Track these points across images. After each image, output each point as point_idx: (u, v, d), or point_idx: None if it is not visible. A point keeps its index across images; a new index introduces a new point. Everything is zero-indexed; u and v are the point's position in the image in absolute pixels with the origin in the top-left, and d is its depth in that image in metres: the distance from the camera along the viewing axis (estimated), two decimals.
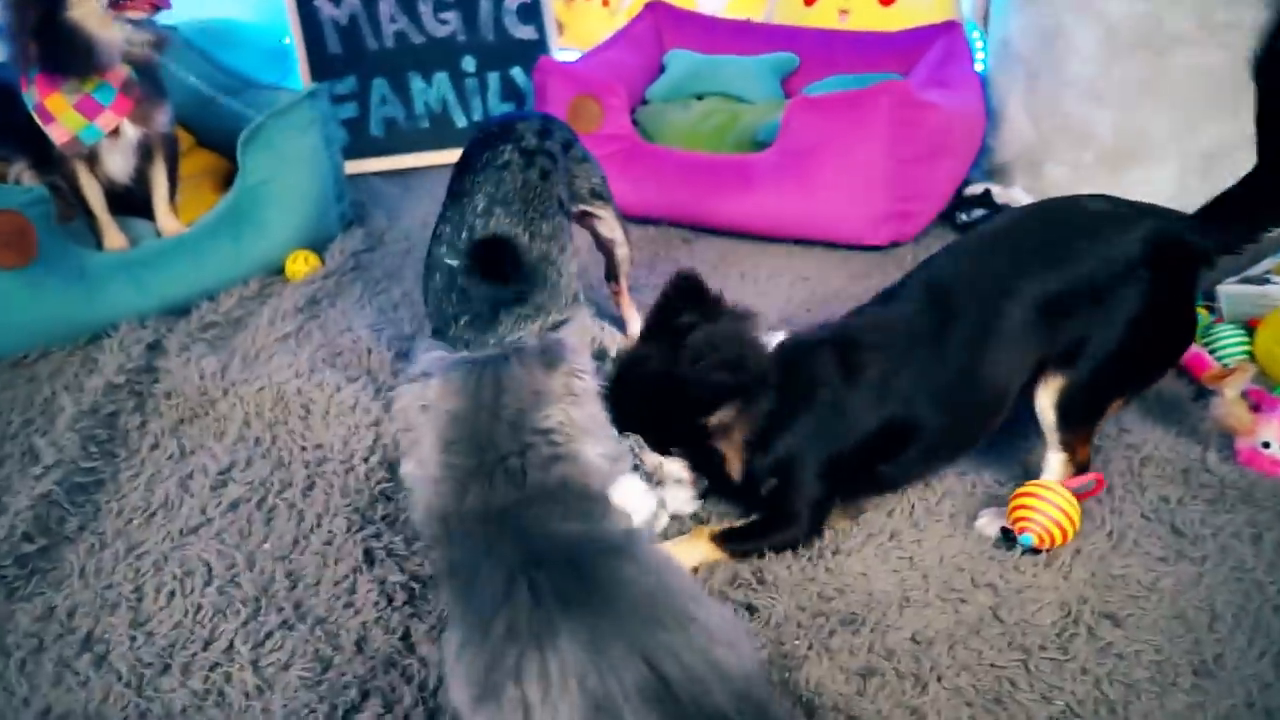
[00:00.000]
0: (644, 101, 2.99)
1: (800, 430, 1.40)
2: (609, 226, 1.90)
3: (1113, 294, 1.39)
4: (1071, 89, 2.48)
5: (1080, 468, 1.48)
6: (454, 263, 1.60)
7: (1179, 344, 1.52)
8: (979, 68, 2.83)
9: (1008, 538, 1.43)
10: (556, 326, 1.59)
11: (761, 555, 1.43)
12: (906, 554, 1.45)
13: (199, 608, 1.34)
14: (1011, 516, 1.43)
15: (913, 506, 1.54)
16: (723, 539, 1.43)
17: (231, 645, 1.28)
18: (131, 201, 2.25)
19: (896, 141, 2.28)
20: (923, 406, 1.42)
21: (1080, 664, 1.25)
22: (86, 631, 1.32)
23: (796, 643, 1.29)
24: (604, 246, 1.95)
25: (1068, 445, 1.46)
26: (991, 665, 1.25)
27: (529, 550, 0.97)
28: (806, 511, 1.44)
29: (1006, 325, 1.41)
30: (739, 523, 1.48)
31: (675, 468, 1.46)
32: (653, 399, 1.38)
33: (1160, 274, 1.40)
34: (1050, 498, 1.40)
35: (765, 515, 1.47)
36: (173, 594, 1.36)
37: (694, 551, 1.42)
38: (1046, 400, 1.44)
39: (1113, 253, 1.40)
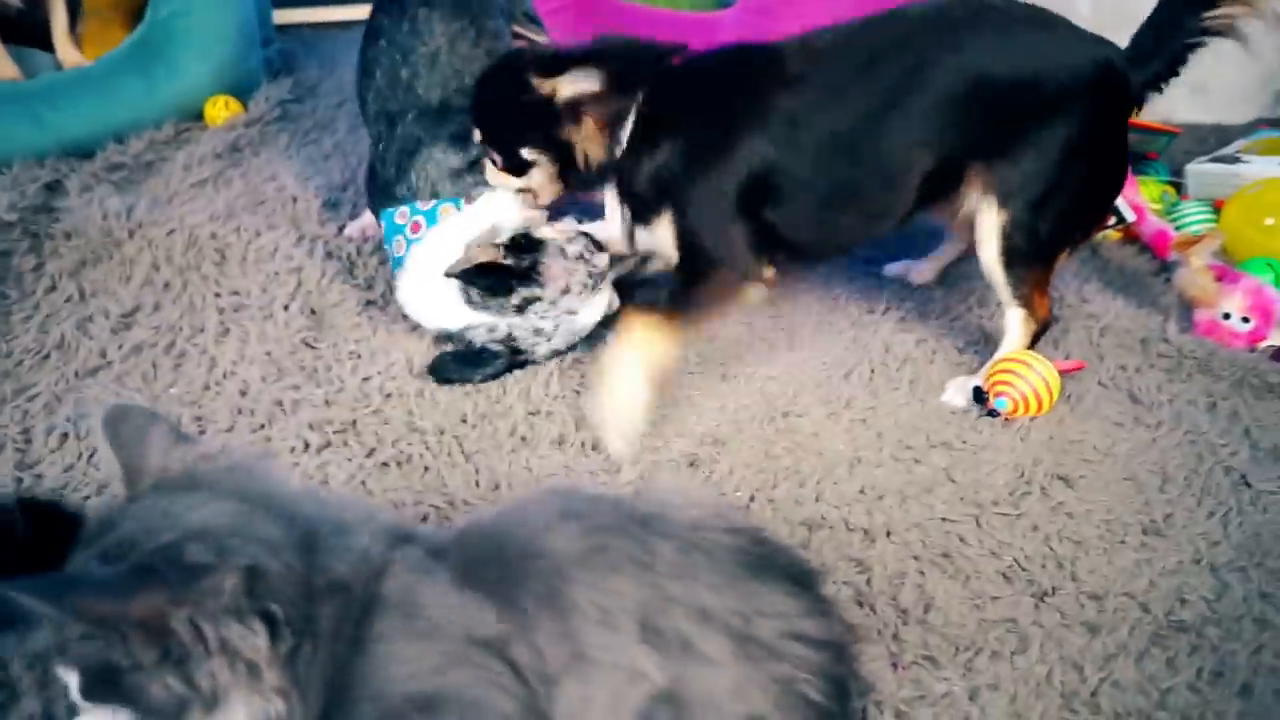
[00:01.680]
0: None
1: (672, 141, 1.31)
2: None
3: (1053, 112, 1.29)
4: None
5: (1041, 326, 1.41)
6: (393, 54, 1.50)
7: (1115, 184, 1.43)
8: None
9: (979, 399, 1.37)
10: None
11: (702, 314, 1.37)
12: (860, 416, 1.39)
13: (93, 451, 1.22)
14: (990, 380, 1.37)
15: (871, 373, 1.47)
16: (659, 316, 1.33)
17: None
18: (29, 31, 2.03)
19: None
20: (807, 152, 1.31)
21: (1031, 521, 1.21)
22: None
23: (738, 494, 1.23)
24: None
25: (1024, 298, 1.38)
26: (942, 519, 1.20)
27: None
28: (722, 242, 1.34)
29: (921, 99, 1.29)
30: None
31: (536, 176, 1.39)
32: (499, 78, 1.34)
33: (1103, 102, 1.31)
34: (1036, 368, 1.34)
35: (684, 272, 1.38)
36: (65, 436, 1.25)
37: (638, 349, 1.31)
38: (990, 249, 1.35)
39: (1062, 65, 1.29)
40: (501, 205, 1.43)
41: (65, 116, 1.90)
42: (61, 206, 1.71)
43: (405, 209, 1.44)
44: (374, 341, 1.50)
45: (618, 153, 1.33)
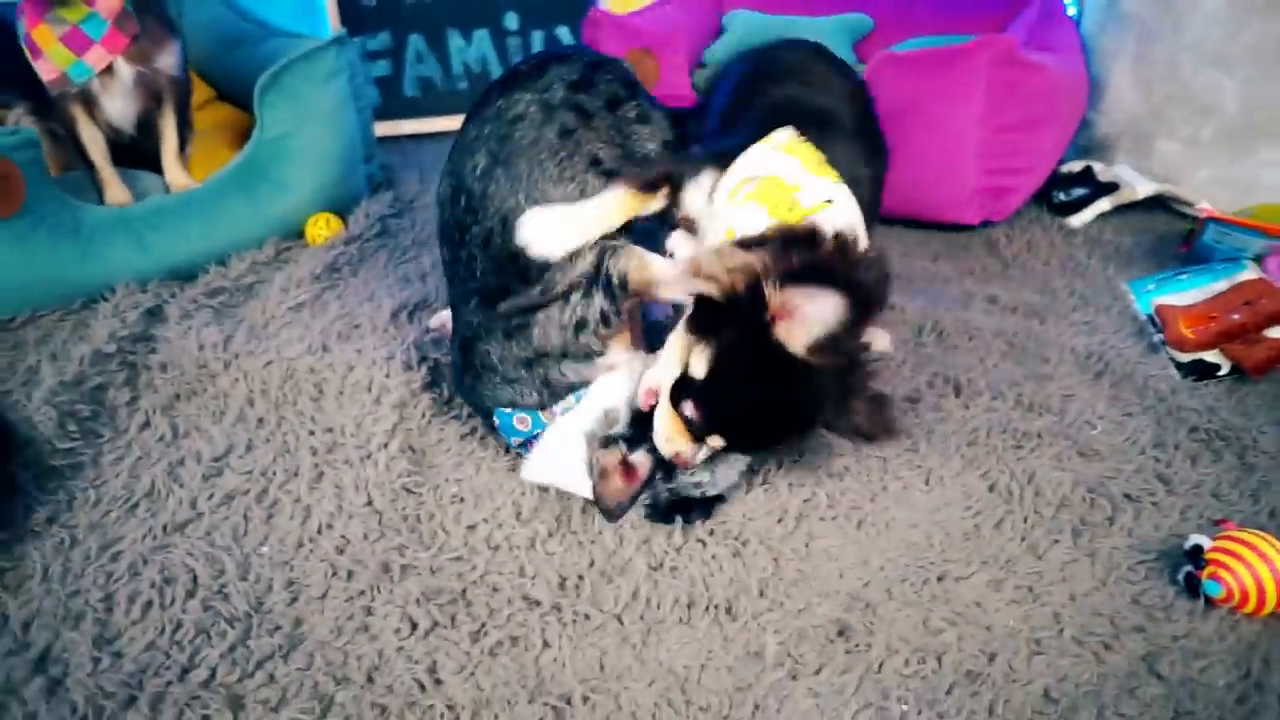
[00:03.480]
0: (701, 65, 2.73)
1: None
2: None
3: None
4: (1191, 53, 2.18)
5: None
6: (451, 230, 1.36)
7: None
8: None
9: (1190, 586, 1.16)
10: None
11: None
12: (1025, 583, 1.19)
13: (178, 624, 1.11)
14: (1209, 554, 1.15)
15: (1025, 522, 1.28)
16: None
17: (213, 675, 1.05)
18: (141, 155, 2.03)
19: (995, 106, 2.00)
20: None
21: None
22: (43, 647, 1.09)
23: (900, 699, 1.03)
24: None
25: None
26: None
27: None
28: None
29: None
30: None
31: None
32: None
33: None
34: (1268, 549, 1.11)
35: None
36: (149, 605, 1.14)
37: None
38: None
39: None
40: (609, 388, 1.31)
41: (170, 239, 1.88)
42: (160, 335, 1.66)
43: (524, 415, 1.33)
44: (476, 481, 1.37)
45: None
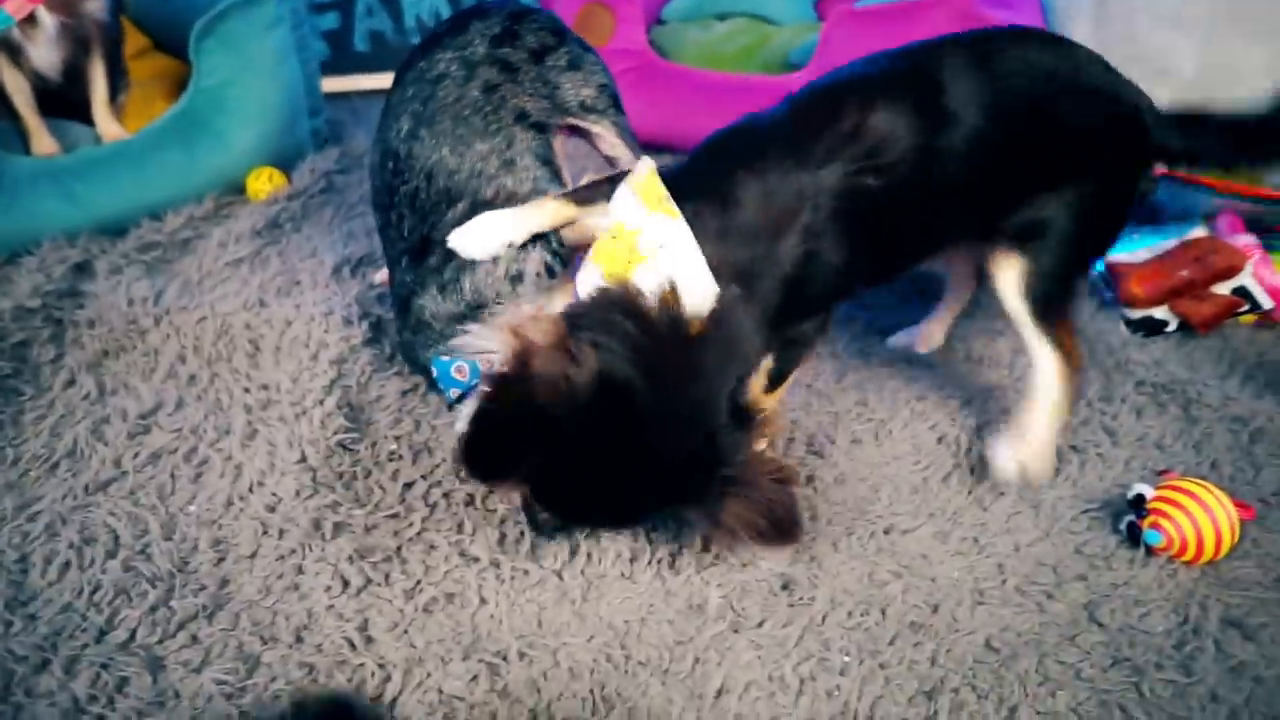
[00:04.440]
0: (659, 21, 2.67)
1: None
2: (608, 144, 1.58)
3: (1079, 159, 1.20)
4: (1147, 14, 2.17)
5: (1075, 371, 1.26)
6: (380, 194, 1.35)
7: (1125, 219, 1.31)
8: None
9: (1132, 535, 1.16)
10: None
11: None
12: (971, 534, 1.20)
13: (96, 585, 1.06)
14: (1151, 504, 1.14)
15: (972, 473, 1.28)
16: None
17: (132, 637, 1.01)
18: (72, 104, 1.95)
19: None
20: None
21: (1208, 689, 0.99)
22: None
23: (843, 650, 1.02)
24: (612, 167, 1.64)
25: (1055, 339, 1.24)
26: (1093, 687, 0.98)
27: None
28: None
29: (953, 143, 1.13)
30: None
31: None
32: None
33: (1125, 152, 1.22)
34: (1212, 504, 1.11)
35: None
36: (66, 566, 1.09)
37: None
38: (1014, 296, 1.23)
39: (1088, 112, 1.19)
40: None
41: (101, 192, 1.80)
42: (88, 290, 1.59)
43: (463, 364, 1.28)
44: (416, 438, 1.33)
45: None
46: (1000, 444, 1.27)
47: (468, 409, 1.24)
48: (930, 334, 1.54)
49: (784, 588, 1.12)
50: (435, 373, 1.30)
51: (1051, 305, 1.24)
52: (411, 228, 1.30)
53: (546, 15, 1.49)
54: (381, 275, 1.67)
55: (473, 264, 1.25)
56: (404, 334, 1.35)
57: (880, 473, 1.30)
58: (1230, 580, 1.12)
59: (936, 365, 1.51)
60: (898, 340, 1.56)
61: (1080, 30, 2.31)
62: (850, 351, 1.54)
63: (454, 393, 1.30)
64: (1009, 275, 1.23)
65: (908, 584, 1.13)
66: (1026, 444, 1.26)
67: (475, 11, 1.45)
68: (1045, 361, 1.24)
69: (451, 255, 1.25)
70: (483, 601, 1.08)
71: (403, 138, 1.32)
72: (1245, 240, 1.63)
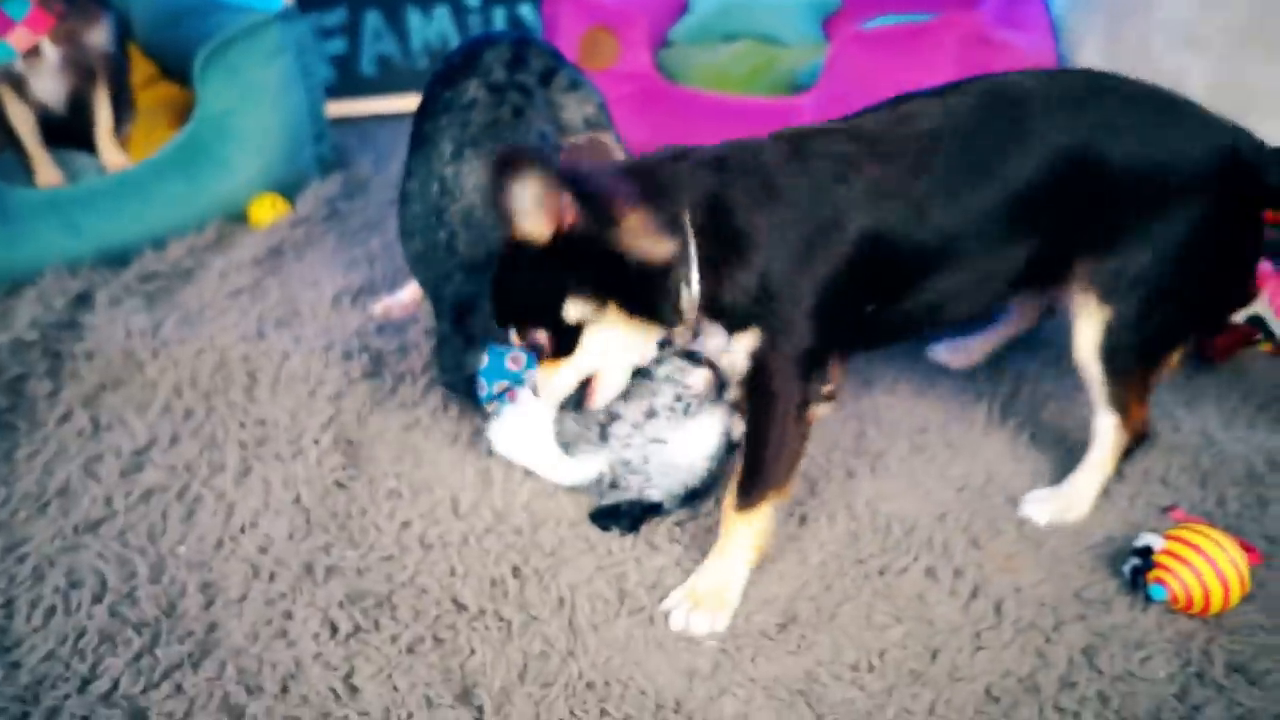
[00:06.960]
0: (666, 44, 2.66)
1: (775, 237, 1.06)
2: (615, 153, 1.60)
3: (1171, 203, 1.12)
4: (1162, 33, 2.14)
5: (1135, 438, 1.22)
6: (428, 217, 1.40)
7: (1238, 285, 1.27)
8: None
9: (1135, 583, 1.12)
10: None
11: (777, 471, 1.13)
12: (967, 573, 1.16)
13: (81, 631, 1.05)
14: (1158, 556, 1.10)
15: (971, 516, 1.24)
16: (743, 501, 1.13)
17: (115, 686, 0.99)
18: (77, 134, 1.95)
19: None
20: (904, 231, 1.10)
21: None
22: None
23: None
24: None
25: (1120, 403, 1.18)
26: None
27: None
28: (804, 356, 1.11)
29: (1026, 179, 1.10)
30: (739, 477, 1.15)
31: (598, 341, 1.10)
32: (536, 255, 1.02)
33: (1227, 194, 1.14)
34: (1218, 555, 1.07)
35: (750, 429, 1.15)
36: (51, 611, 1.08)
37: (744, 538, 1.13)
38: (1088, 347, 1.17)
39: (1182, 152, 1.12)
40: None
41: (104, 222, 1.80)
42: (87, 322, 1.59)
43: (519, 353, 1.26)
44: (415, 475, 1.31)
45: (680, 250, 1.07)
46: (1038, 498, 1.25)
47: (508, 414, 1.25)
48: (971, 351, 1.51)
49: (781, 630, 1.09)
50: (485, 362, 1.29)
51: (1131, 369, 1.17)
52: (470, 242, 1.35)
53: (540, 40, 1.56)
54: (382, 307, 1.66)
55: None
56: (456, 341, 1.36)
57: (874, 508, 1.26)
58: (1234, 625, 1.08)
59: (940, 396, 1.48)
60: (938, 352, 1.53)
61: (1092, 50, 2.28)
62: (853, 381, 1.51)
63: (497, 386, 1.28)
64: (1088, 328, 1.16)
65: (908, 630, 1.09)
66: (1066, 501, 1.24)
67: (485, 41, 1.54)
68: (1104, 428, 1.20)
69: None
70: (472, 652, 1.05)
71: (447, 160, 1.39)
72: (1262, 267, 1.59)
